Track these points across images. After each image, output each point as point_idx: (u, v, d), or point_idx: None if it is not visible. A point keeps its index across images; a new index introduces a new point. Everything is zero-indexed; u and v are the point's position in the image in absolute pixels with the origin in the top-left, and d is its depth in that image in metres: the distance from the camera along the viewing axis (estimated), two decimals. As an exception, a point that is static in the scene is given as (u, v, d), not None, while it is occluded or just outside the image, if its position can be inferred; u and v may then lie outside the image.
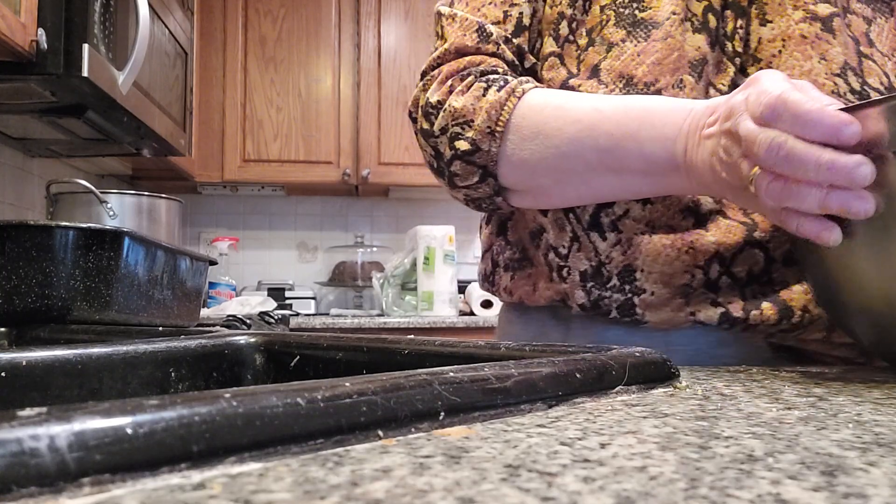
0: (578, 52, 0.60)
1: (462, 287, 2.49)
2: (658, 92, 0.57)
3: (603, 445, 0.22)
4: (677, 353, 0.57)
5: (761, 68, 0.57)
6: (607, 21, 0.59)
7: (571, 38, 0.61)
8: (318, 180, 2.56)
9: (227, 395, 0.20)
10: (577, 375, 0.31)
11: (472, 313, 2.36)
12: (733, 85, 0.57)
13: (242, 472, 0.18)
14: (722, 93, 0.57)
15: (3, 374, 0.38)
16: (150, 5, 1.57)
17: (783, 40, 0.57)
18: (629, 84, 0.57)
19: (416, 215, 2.90)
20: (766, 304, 0.54)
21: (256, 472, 0.18)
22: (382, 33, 2.61)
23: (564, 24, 0.61)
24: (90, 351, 0.42)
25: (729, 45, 0.59)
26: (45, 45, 1.28)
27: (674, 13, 0.57)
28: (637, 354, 0.35)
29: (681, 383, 0.36)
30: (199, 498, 0.16)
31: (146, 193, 1.69)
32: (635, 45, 0.58)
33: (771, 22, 0.58)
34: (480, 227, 0.74)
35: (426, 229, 2.36)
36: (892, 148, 0.37)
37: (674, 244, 0.55)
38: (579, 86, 0.59)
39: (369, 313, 2.56)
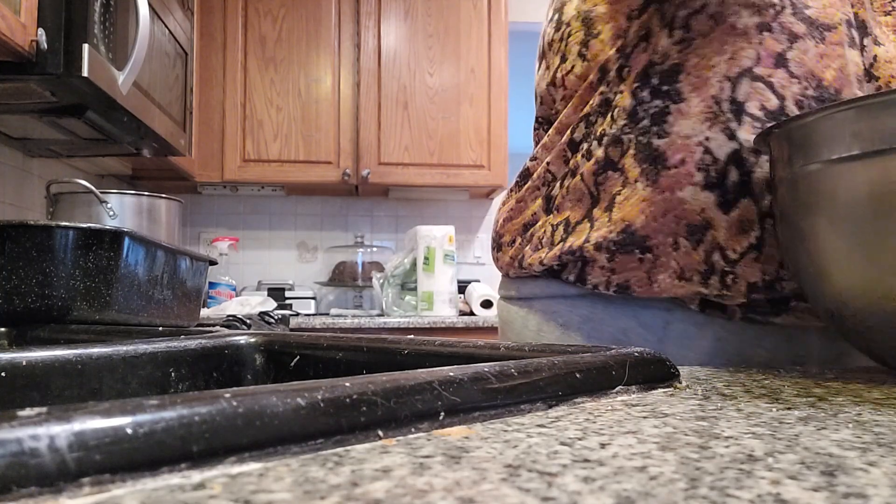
0: (748, 34, 0.55)
1: (462, 287, 2.49)
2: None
3: (603, 445, 0.22)
4: (800, 364, 0.55)
5: (879, 87, 0.57)
6: (782, 8, 0.55)
7: (737, 12, 0.56)
8: (318, 180, 2.56)
9: (227, 395, 0.20)
10: (577, 375, 0.31)
11: (472, 313, 2.36)
12: None
13: (242, 472, 0.18)
14: None
15: (3, 374, 0.38)
16: (150, 5, 1.57)
17: None
18: (820, 87, 0.54)
19: (416, 215, 2.90)
20: None
21: (256, 472, 0.18)
22: (382, 33, 2.61)
23: None
24: (90, 351, 0.42)
25: (862, 62, 0.57)
26: (45, 45, 1.28)
27: (840, 21, 0.55)
28: (637, 354, 0.35)
29: (681, 383, 0.36)
30: (199, 498, 0.16)
31: (146, 193, 1.69)
32: (816, 45, 0.54)
33: (883, 45, 0.57)
34: (544, 197, 0.65)
35: (426, 229, 2.36)
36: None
37: None
38: (769, 76, 0.54)
39: (369, 313, 2.56)
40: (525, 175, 0.68)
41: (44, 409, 0.17)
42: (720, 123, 0.54)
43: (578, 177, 0.61)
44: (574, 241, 0.60)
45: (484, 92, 2.64)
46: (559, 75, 0.66)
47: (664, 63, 0.57)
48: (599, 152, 0.60)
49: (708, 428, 0.25)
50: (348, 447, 0.21)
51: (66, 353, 0.41)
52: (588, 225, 0.60)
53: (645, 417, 0.27)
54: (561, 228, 0.62)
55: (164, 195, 1.73)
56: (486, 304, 2.33)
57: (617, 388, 0.32)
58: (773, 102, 0.54)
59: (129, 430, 0.18)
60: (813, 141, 0.42)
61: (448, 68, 2.63)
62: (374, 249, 2.85)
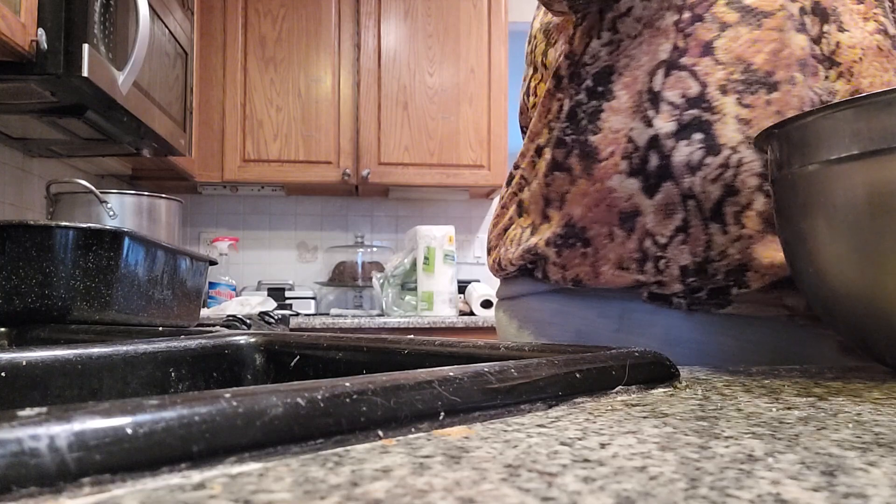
0: (682, 25, 0.58)
1: (462, 287, 2.49)
2: (775, 84, 0.55)
3: (603, 445, 0.22)
4: (752, 352, 0.56)
5: (841, 73, 0.57)
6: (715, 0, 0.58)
7: (667, 8, 0.59)
8: (318, 180, 2.56)
9: (227, 395, 0.20)
10: (577, 375, 0.31)
11: (471, 313, 2.36)
12: (824, 89, 0.57)
13: (242, 472, 0.18)
14: (818, 94, 0.57)
15: (3, 374, 0.38)
16: (150, 5, 1.57)
17: (862, 49, 0.57)
18: (748, 70, 0.56)
19: (416, 215, 2.90)
20: None
21: (256, 472, 0.18)
22: (382, 33, 2.61)
23: None
24: (90, 351, 0.42)
25: (817, 48, 0.58)
26: (45, 45, 1.28)
27: (782, 7, 0.57)
28: (637, 354, 0.35)
29: (681, 383, 0.36)
30: (199, 498, 0.16)
31: (146, 193, 1.69)
32: (750, 32, 0.56)
33: (848, 31, 0.58)
34: (518, 202, 0.69)
35: (426, 229, 2.36)
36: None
37: None
38: (693, 64, 0.57)
39: (369, 313, 2.56)
40: (509, 181, 0.72)
41: (44, 409, 0.17)
42: (640, 113, 0.58)
43: (536, 181, 0.65)
44: (534, 239, 0.64)
45: (484, 92, 2.64)
46: (532, 85, 0.69)
47: (596, 64, 0.61)
48: (549, 155, 0.64)
49: (708, 428, 0.25)
50: (348, 447, 0.21)
51: (66, 353, 0.41)
52: (547, 224, 0.63)
53: (645, 417, 0.27)
54: (528, 230, 0.66)
55: (164, 195, 1.73)
56: (486, 304, 2.33)
57: (617, 388, 0.32)
58: (694, 90, 0.57)
59: (129, 430, 0.18)
60: (811, 141, 0.42)
61: (448, 68, 2.63)
62: (374, 249, 2.85)
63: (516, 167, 0.71)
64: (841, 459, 0.20)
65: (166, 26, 1.81)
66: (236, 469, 0.19)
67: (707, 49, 0.57)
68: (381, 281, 2.45)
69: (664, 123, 0.56)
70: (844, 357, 0.58)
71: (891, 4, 0.61)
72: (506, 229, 0.70)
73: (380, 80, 2.60)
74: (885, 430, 0.24)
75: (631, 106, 0.58)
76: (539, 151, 0.66)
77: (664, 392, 0.33)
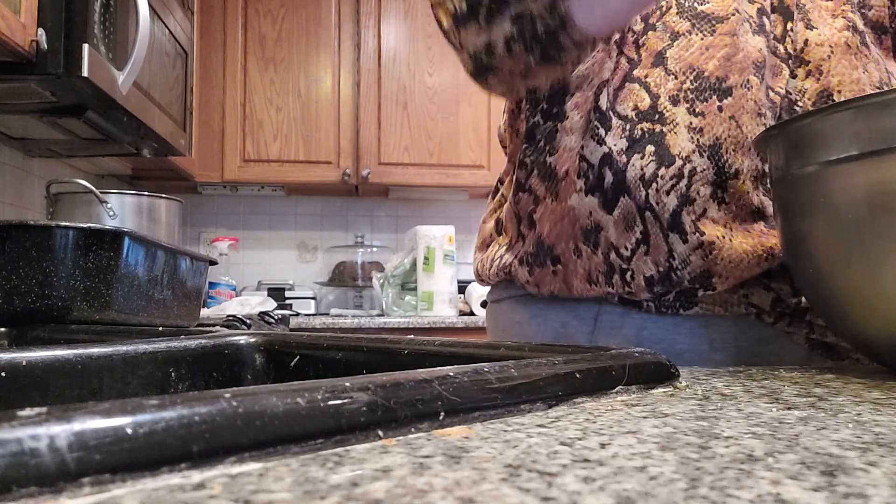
0: (635, 37, 0.58)
1: (462, 287, 2.49)
2: (728, 90, 0.55)
3: (603, 445, 0.22)
4: (719, 349, 0.57)
5: (809, 71, 0.58)
6: (668, 9, 0.58)
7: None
8: (318, 180, 2.56)
9: (227, 395, 0.20)
10: (577, 375, 0.31)
11: (471, 313, 2.36)
12: (790, 88, 0.57)
13: (242, 472, 0.18)
14: (780, 96, 0.57)
15: (3, 374, 0.38)
16: (150, 5, 1.57)
17: (830, 46, 0.57)
18: (700, 77, 0.56)
19: (416, 215, 2.90)
20: None
21: (256, 472, 0.18)
22: (382, 33, 2.61)
23: None
24: (90, 351, 0.42)
25: (781, 47, 0.58)
26: (45, 45, 1.28)
27: (736, 11, 0.57)
28: (637, 354, 0.35)
29: (681, 383, 0.36)
30: (199, 498, 0.16)
31: (146, 193, 1.69)
32: (702, 39, 0.56)
33: (816, 28, 0.58)
34: (496, 219, 0.71)
35: (426, 229, 2.36)
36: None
37: (754, 250, 0.54)
38: (645, 76, 0.57)
39: (369, 313, 2.56)
40: (494, 194, 0.74)
41: (44, 409, 0.17)
42: (591, 131, 0.58)
43: (513, 199, 0.66)
44: (508, 257, 0.65)
45: (483, 92, 2.63)
46: (507, 105, 0.70)
47: (552, 87, 0.61)
48: (513, 175, 0.65)
49: (708, 428, 0.25)
50: (348, 447, 0.21)
51: (66, 353, 0.41)
52: (521, 243, 0.64)
53: (645, 417, 0.27)
54: (504, 247, 0.67)
55: (164, 195, 1.73)
56: (486, 304, 2.33)
57: (617, 388, 0.32)
58: (646, 102, 0.57)
59: (129, 430, 0.18)
60: (811, 142, 0.42)
61: (448, 68, 2.63)
62: (374, 249, 2.85)
63: (501, 182, 0.72)
64: (841, 459, 0.20)
65: (166, 26, 1.81)
66: (236, 469, 0.19)
67: (658, 59, 0.57)
68: (381, 281, 2.45)
69: (616, 140, 0.57)
70: (812, 354, 0.58)
71: (860, 1, 0.61)
72: (487, 244, 0.72)
73: (380, 80, 2.60)
74: (885, 430, 0.24)
75: (583, 125, 0.59)
76: (514, 170, 0.67)
77: (664, 392, 0.33)
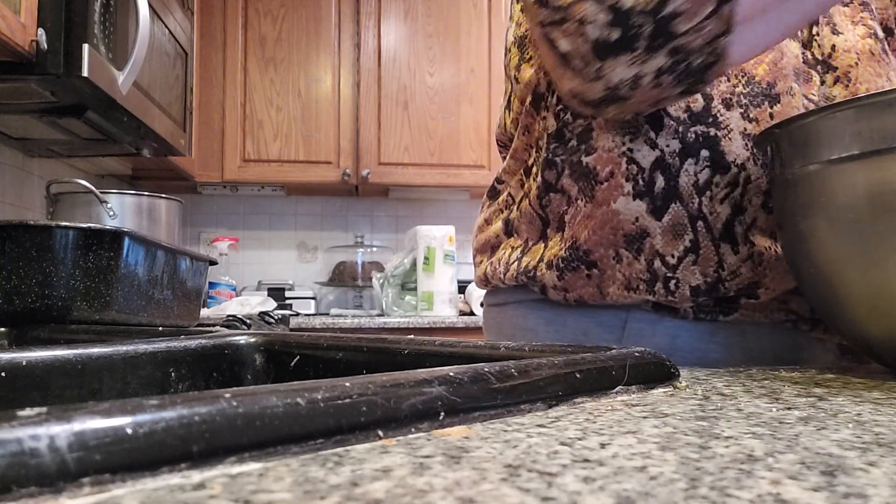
0: None
1: (462, 287, 2.49)
2: (777, 96, 0.54)
3: (603, 445, 0.22)
4: (756, 360, 0.56)
5: (838, 78, 0.56)
6: None
7: None
8: (318, 180, 2.56)
9: (227, 395, 0.20)
10: (577, 375, 0.31)
11: (471, 313, 2.36)
12: (820, 95, 0.56)
13: (242, 472, 0.18)
14: (814, 103, 0.56)
15: (3, 374, 0.38)
16: (150, 5, 1.57)
17: (857, 53, 0.56)
18: (751, 82, 0.54)
19: (416, 215, 2.90)
20: None
21: (256, 472, 0.18)
22: (382, 33, 2.61)
23: None
24: (90, 351, 0.42)
25: (808, 53, 0.57)
26: (45, 45, 1.28)
27: None
28: (637, 354, 0.35)
29: (681, 383, 0.36)
30: (199, 498, 0.16)
31: (146, 193, 1.69)
32: None
33: (842, 33, 0.57)
34: (504, 220, 0.67)
35: (426, 229, 2.36)
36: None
37: None
38: None
39: (369, 313, 2.56)
40: (493, 194, 0.70)
41: (44, 409, 0.17)
42: (641, 134, 0.55)
43: (527, 201, 0.63)
44: (529, 260, 0.61)
45: (484, 92, 2.64)
46: (512, 100, 0.66)
47: None
48: (539, 177, 0.61)
49: (708, 428, 0.25)
50: (348, 447, 0.21)
51: (66, 353, 0.41)
52: (542, 245, 0.61)
53: (645, 417, 0.27)
54: (519, 251, 0.64)
55: (164, 195, 1.73)
56: (486, 304, 2.33)
57: (617, 388, 0.32)
58: (699, 104, 0.54)
59: (129, 430, 0.18)
60: (812, 141, 0.42)
61: (448, 68, 2.63)
62: (374, 249, 2.85)
63: (500, 181, 0.69)
64: (841, 459, 0.20)
65: (166, 26, 1.81)
66: (236, 469, 0.19)
67: None
68: (381, 281, 2.45)
69: (668, 141, 0.54)
70: (842, 360, 0.58)
71: (877, 6, 0.61)
72: (493, 247, 0.68)
73: (380, 80, 2.60)
74: (885, 430, 0.24)
75: (620, 123, 0.55)
76: (528, 171, 0.64)
77: (664, 392, 0.33)
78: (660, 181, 0.54)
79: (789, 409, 0.29)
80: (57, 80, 1.33)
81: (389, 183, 2.60)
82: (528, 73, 0.62)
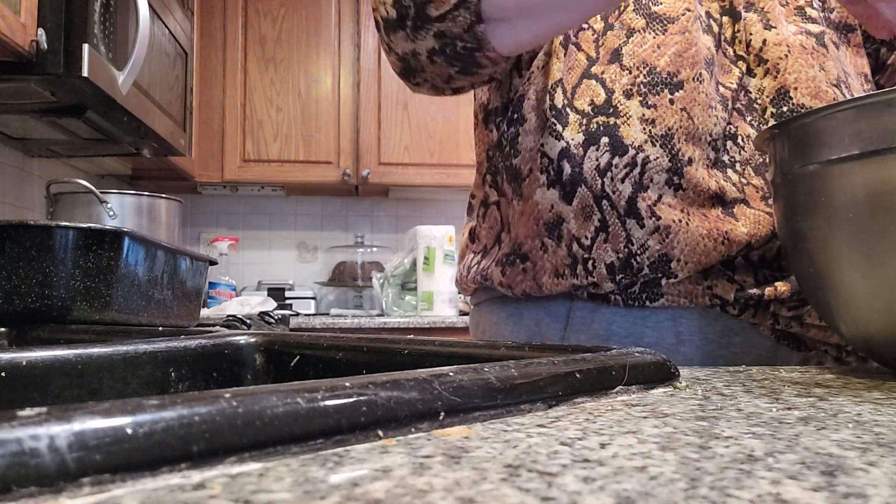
0: (596, 36, 0.61)
1: (462, 287, 2.49)
2: (680, 83, 0.58)
3: (603, 445, 0.22)
4: (686, 342, 0.58)
5: (767, 70, 0.61)
6: (626, 7, 0.60)
7: (586, 24, 0.62)
8: (318, 180, 2.56)
9: (227, 395, 0.20)
10: (577, 375, 0.31)
11: (472, 313, 2.36)
12: (740, 84, 0.60)
13: (242, 472, 0.18)
14: (731, 90, 0.60)
15: (3, 374, 0.38)
16: (150, 5, 1.57)
17: (787, 46, 0.60)
18: (652, 72, 0.58)
19: (416, 215, 2.90)
20: (779, 283, 0.57)
21: (256, 472, 0.18)
22: (382, 33, 2.61)
23: None
24: (90, 351, 0.42)
25: (730, 49, 0.61)
26: (45, 45, 1.28)
27: (688, 10, 0.59)
28: (637, 355, 0.35)
29: (681, 383, 0.36)
30: (199, 498, 0.16)
31: (146, 193, 1.69)
32: (654, 37, 0.59)
33: (775, 28, 0.61)
34: (469, 230, 0.74)
35: (426, 229, 2.36)
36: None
37: (710, 234, 0.56)
38: (602, 72, 0.60)
39: (369, 313, 2.56)
40: (469, 209, 0.76)
41: (44, 409, 0.17)
42: (549, 129, 0.61)
43: (483, 209, 0.69)
44: (485, 263, 0.67)
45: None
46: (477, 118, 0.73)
47: (514, 96, 0.64)
48: (488, 185, 0.69)
49: (708, 428, 0.25)
50: (348, 447, 0.21)
51: (66, 353, 0.41)
52: (497, 248, 0.67)
53: (645, 417, 0.27)
54: (480, 255, 0.70)
55: (164, 195, 1.73)
56: (486, 304, 2.33)
57: (617, 388, 0.32)
58: (601, 97, 0.60)
59: (129, 430, 0.18)
60: (812, 141, 0.42)
61: (448, 68, 2.62)
62: (374, 249, 2.85)
63: (472, 196, 0.75)
64: (841, 459, 0.20)
65: (166, 26, 1.81)
66: (236, 469, 0.19)
67: (615, 56, 0.60)
68: (381, 281, 2.45)
69: (573, 135, 0.59)
70: (778, 346, 0.59)
71: (820, 3, 0.65)
72: (463, 255, 0.75)
73: (380, 80, 2.60)
74: (885, 430, 0.24)
75: (539, 125, 0.61)
76: (483, 182, 0.70)
77: (664, 392, 0.33)
78: (567, 168, 0.59)
79: (789, 409, 0.29)
80: (57, 80, 1.33)
81: (389, 183, 2.60)
82: (480, 91, 0.70)
